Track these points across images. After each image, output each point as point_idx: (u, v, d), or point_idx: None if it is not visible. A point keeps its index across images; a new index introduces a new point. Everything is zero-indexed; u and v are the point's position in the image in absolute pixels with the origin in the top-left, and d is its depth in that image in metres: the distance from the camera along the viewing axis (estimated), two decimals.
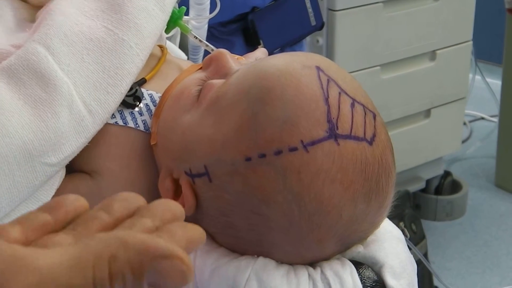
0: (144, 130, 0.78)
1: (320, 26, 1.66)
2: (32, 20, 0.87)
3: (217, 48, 0.81)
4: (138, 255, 0.42)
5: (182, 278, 0.42)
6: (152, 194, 0.75)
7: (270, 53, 0.83)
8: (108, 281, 0.41)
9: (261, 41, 1.48)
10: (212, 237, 0.70)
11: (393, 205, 0.71)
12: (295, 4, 1.58)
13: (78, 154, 0.75)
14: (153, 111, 0.78)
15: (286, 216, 0.64)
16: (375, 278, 0.69)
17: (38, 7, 0.87)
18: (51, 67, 0.73)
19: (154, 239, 0.42)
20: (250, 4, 1.47)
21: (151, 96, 0.79)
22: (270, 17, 1.52)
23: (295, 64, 0.67)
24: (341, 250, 0.69)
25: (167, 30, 0.87)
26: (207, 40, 0.95)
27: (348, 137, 0.64)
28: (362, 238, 0.70)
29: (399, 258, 0.71)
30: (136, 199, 0.48)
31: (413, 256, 0.75)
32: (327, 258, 0.69)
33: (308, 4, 1.61)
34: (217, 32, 1.46)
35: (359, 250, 0.70)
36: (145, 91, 0.79)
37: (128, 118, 0.78)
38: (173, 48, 0.98)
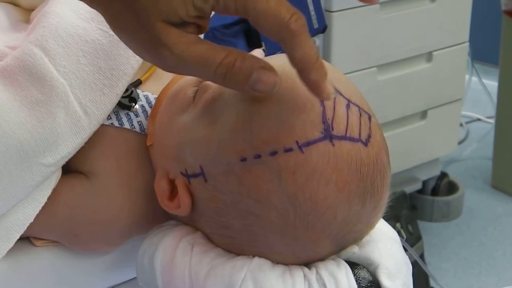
0: (140, 132, 0.78)
1: (322, 29, 1.66)
2: (26, 21, 0.88)
3: None
4: None
5: None
6: (148, 195, 0.75)
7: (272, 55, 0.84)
8: None
9: (262, 43, 1.48)
10: (208, 238, 0.71)
11: (389, 206, 0.72)
12: (297, 7, 1.58)
13: (74, 155, 0.76)
14: (148, 112, 0.79)
15: (281, 217, 0.64)
16: (370, 278, 0.69)
17: (30, 10, 0.87)
18: (47, 68, 0.74)
19: None
20: None
21: (146, 98, 0.80)
22: None
23: (290, 65, 0.67)
24: (336, 250, 0.70)
25: None
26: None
27: (343, 138, 0.65)
28: (357, 238, 0.70)
29: (394, 259, 0.71)
30: None
31: (409, 257, 0.75)
32: (323, 259, 0.69)
33: (311, 7, 1.61)
34: (220, 34, 1.46)
35: (354, 250, 0.70)
36: (140, 92, 0.80)
37: (124, 119, 0.78)
38: None
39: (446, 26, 1.99)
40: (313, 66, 0.59)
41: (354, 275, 0.68)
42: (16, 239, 0.74)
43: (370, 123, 0.67)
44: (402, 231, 1.84)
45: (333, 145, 0.64)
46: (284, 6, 0.57)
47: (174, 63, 0.59)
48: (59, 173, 0.77)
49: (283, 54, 0.69)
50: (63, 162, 0.75)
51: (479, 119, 2.88)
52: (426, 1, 1.93)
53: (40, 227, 0.77)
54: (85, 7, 0.79)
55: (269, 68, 0.60)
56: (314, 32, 1.65)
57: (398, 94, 1.96)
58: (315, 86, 0.60)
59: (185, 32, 0.58)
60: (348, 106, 0.66)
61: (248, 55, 0.59)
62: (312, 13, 1.64)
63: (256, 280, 0.66)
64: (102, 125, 0.77)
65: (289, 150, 0.63)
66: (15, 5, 0.93)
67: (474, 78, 2.60)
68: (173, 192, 0.71)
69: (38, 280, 0.78)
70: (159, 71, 0.82)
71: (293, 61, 0.59)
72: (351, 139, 0.65)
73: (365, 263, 0.70)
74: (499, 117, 2.41)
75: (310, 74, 0.59)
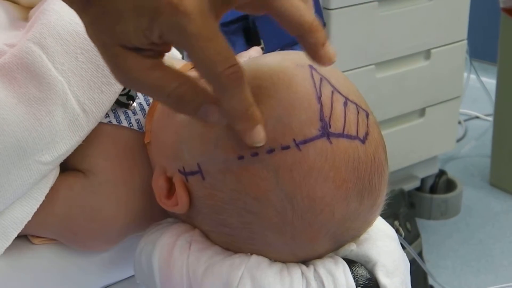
0: (138, 129, 0.78)
1: None
2: (25, 18, 0.88)
3: None
4: None
5: None
6: (146, 193, 0.75)
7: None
8: None
9: (261, 41, 1.48)
10: (205, 235, 0.70)
11: (387, 204, 0.72)
12: None
13: (72, 153, 0.76)
14: (146, 110, 0.79)
15: (279, 215, 0.64)
16: (368, 276, 0.69)
17: (29, 8, 0.87)
18: (45, 66, 0.74)
19: None
20: None
21: (144, 95, 0.80)
22: (271, 18, 1.52)
23: (288, 63, 0.67)
24: (334, 248, 0.70)
25: None
26: None
27: (341, 135, 0.65)
28: (355, 236, 0.70)
29: (392, 257, 0.71)
30: None
31: (408, 255, 0.75)
32: (320, 256, 0.69)
33: None
34: None
35: (352, 248, 0.70)
36: None
37: (122, 117, 0.78)
38: None
39: (444, 23, 1.99)
40: (241, 117, 0.60)
41: (352, 273, 0.68)
42: (14, 237, 0.74)
43: (367, 121, 0.67)
44: (401, 229, 1.84)
45: (331, 142, 0.64)
46: (220, 56, 0.57)
47: (128, 86, 0.61)
48: (57, 171, 0.77)
49: (281, 52, 0.69)
50: (61, 160, 0.75)
51: (477, 117, 2.88)
52: None
53: (38, 225, 0.77)
54: None
55: (216, 102, 0.60)
56: None
57: (396, 92, 1.96)
58: (242, 136, 0.62)
59: (143, 56, 0.59)
60: (345, 104, 0.66)
61: (200, 87, 0.60)
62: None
63: (254, 277, 0.66)
64: (100, 123, 0.77)
65: (286, 147, 0.63)
66: (14, 2, 0.93)
67: (473, 76, 2.60)
68: (171, 190, 0.71)
69: (36, 278, 0.78)
70: None
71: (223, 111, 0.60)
72: (349, 137, 0.65)
73: (363, 261, 0.70)
74: (497, 115, 2.41)
75: (236, 125, 0.61)
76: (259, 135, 0.62)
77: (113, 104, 0.77)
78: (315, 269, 0.68)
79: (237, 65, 0.57)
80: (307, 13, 0.60)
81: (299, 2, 0.60)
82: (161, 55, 0.61)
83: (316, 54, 0.61)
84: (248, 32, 1.49)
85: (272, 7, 0.59)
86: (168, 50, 0.61)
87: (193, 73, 0.75)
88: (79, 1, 0.58)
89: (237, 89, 0.58)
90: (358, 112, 0.67)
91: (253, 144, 0.62)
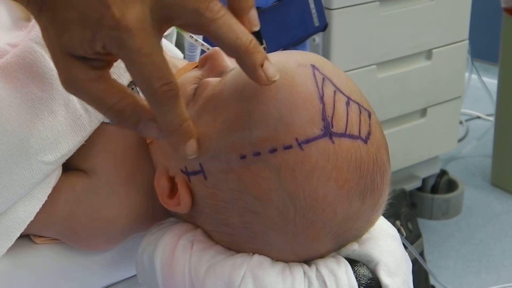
0: None
1: (323, 27, 1.66)
2: (28, 19, 0.88)
3: (213, 47, 0.81)
4: None
5: None
6: (148, 193, 0.75)
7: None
8: None
9: (263, 41, 1.48)
10: (208, 235, 0.71)
11: (389, 203, 0.72)
12: (298, 4, 1.58)
13: (74, 153, 0.76)
14: None
15: (281, 214, 0.65)
16: (370, 275, 0.69)
17: None
18: (48, 65, 0.74)
19: None
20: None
21: None
22: (273, 18, 1.52)
23: (290, 63, 0.67)
24: (336, 248, 0.70)
25: None
26: None
27: (343, 135, 0.65)
28: (357, 236, 0.70)
29: (394, 256, 0.71)
30: None
31: (409, 255, 0.75)
32: (322, 256, 0.69)
33: (312, 5, 1.62)
34: None
35: (354, 248, 0.70)
36: None
37: None
38: (169, 47, 0.98)
39: (446, 24, 1.99)
40: (174, 131, 0.63)
41: (354, 272, 0.68)
42: (16, 237, 0.74)
43: (370, 120, 0.67)
44: (402, 229, 1.84)
45: (333, 142, 0.64)
46: (158, 72, 0.59)
47: (72, 93, 0.62)
48: (59, 171, 0.77)
49: (283, 52, 0.69)
50: (63, 160, 0.75)
51: (478, 117, 2.88)
52: None
53: (41, 225, 0.77)
54: None
55: (155, 120, 0.62)
56: (315, 30, 1.65)
57: (397, 92, 1.96)
58: (175, 150, 0.66)
59: (89, 67, 0.60)
60: (348, 104, 0.66)
61: (140, 103, 0.62)
62: (313, 11, 1.64)
63: (256, 277, 0.66)
64: (103, 123, 0.77)
65: (288, 147, 0.63)
66: (17, 2, 0.93)
67: (474, 76, 2.60)
68: (173, 190, 0.71)
69: (39, 278, 0.78)
70: None
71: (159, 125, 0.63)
72: (351, 136, 0.65)
73: (365, 260, 0.70)
74: (499, 115, 2.41)
75: (170, 139, 0.64)
76: (191, 148, 0.64)
77: None
78: (317, 269, 0.68)
79: (172, 83, 0.59)
80: (243, 35, 0.61)
81: (235, 23, 0.60)
82: (109, 65, 0.62)
83: (254, 75, 0.62)
84: (250, 32, 1.49)
85: (208, 32, 0.60)
86: (116, 60, 0.63)
87: (195, 72, 0.75)
88: (33, 6, 0.60)
89: (171, 105, 0.60)
90: (360, 111, 0.67)
91: (186, 157, 0.65)
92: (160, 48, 0.59)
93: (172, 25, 0.61)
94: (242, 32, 0.60)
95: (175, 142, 0.64)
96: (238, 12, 0.61)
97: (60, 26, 0.58)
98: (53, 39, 0.59)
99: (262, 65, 0.61)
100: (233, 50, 0.61)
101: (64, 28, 0.58)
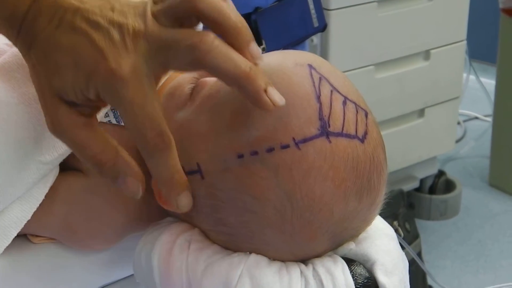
0: None
1: (322, 28, 1.66)
2: None
3: None
4: None
5: None
6: (146, 192, 0.75)
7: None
8: None
9: (263, 42, 1.48)
10: (205, 234, 0.71)
11: (387, 204, 0.72)
12: (298, 5, 1.58)
13: (72, 152, 0.75)
14: None
15: (278, 213, 0.65)
16: (367, 275, 0.69)
17: None
18: None
19: None
20: (253, 5, 1.47)
21: None
22: (273, 18, 1.52)
23: (287, 62, 0.67)
24: (333, 247, 0.70)
25: None
26: None
27: (340, 134, 0.65)
28: (353, 235, 0.71)
29: (391, 256, 0.71)
30: None
31: (407, 255, 0.75)
32: (319, 255, 0.69)
33: (311, 6, 1.62)
34: None
35: (351, 247, 0.70)
36: None
37: None
38: None
39: (444, 24, 1.99)
40: (165, 183, 0.63)
41: (350, 272, 0.68)
42: (13, 236, 0.74)
43: (366, 120, 0.67)
44: (400, 229, 1.84)
45: (330, 142, 0.64)
46: (151, 123, 0.59)
47: (54, 135, 0.62)
48: (56, 170, 0.77)
49: (280, 51, 0.69)
50: (60, 159, 0.75)
51: (476, 118, 2.89)
52: None
53: (38, 225, 0.77)
54: None
55: (135, 176, 0.63)
56: (314, 31, 1.65)
57: (395, 92, 1.96)
58: (167, 201, 0.65)
59: (76, 113, 0.61)
60: (344, 103, 0.66)
61: (121, 158, 0.62)
62: (313, 11, 1.64)
63: (253, 276, 0.66)
64: (100, 122, 0.77)
65: (285, 146, 0.63)
66: None
67: (472, 77, 2.60)
68: None
69: (36, 277, 0.78)
70: None
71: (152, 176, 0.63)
72: (348, 136, 0.65)
73: (362, 260, 0.70)
74: (497, 115, 2.41)
75: (162, 190, 0.64)
76: (183, 201, 0.65)
77: None
78: (314, 268, 0.68)
79: (165, 134, 0.60)
80: (242, 61, 0.60)
81: (231, 52, 0.60)
82: (97, 110, 0.63)
83: (259, 102, 0.61)
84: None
85: (205, 64, 0.60)
86: (105, 106, 0.64)
87: (191, 73, 0.75)
88: (22, 43, 0.60)
89: (163, 156, 0.61)
90: (357, 111, 0.67)
91: (176, 210, 0.65)
92: (154, 98, 0.59)
93: (169, 70, 0.63)
94: (239, 59, 0.60)
95: (167, 194, 0.64)
96: (238, 48, 0.61)
97: (51, 69, 0.59)
98: (43, 80, 0.60)
99: (265, 91, 0.61)
100: (233, 79, 0.60)
101: (55, 71, 0.59)
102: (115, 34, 0.59)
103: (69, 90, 0.59)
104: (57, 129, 0.61)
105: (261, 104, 0.61)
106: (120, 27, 0.59)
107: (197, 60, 0.60)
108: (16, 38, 0.61)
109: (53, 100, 0.60)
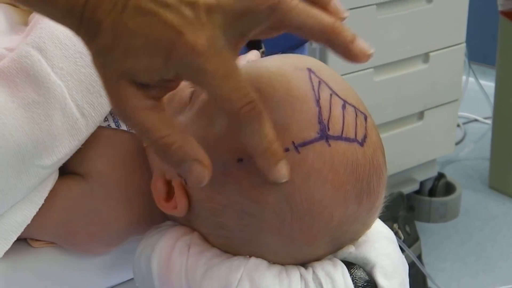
0: None
1: None
2: (25, 23, 0.88)
3: None
4: None
5: None
6: (145, 196, 0.75)
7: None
8: None
9: (262, 45, 1.48)
10: (204, 238, 0.71)
11: (386, 207, 0.72)
12: None
13: (71, 157, 0.76)
14: None
15: (278, 217, 0.65)
16: (367, 278, 0.69)
17: (29, 12, 0.87)
18: (44, 70, 0.74)
19: None
20: None
21: None
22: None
23: (286, 66, 0.67)
24: (332, 250, 0.70)
25: None
26: None
27: (339, 138, 0.65)
28: (353, 238, 0.71)
29: (391, 259, 0.71)
30: None
31: (407, 258, 0.75)
32: (319, 259, 0.69)
33: None
34: None
35: (350, 250, 0.70)
36: None
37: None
38: None
39: (443, 27, 1.99)
40: (262, 154, 0.60)
41: (350, 275, 0.68)
42: (13, 241, 0.75)
43: (366, 123, 0.67)
44: (400, 232, 1.84)
45: (329, 145, 0.64)
46: (238, 93, 0.58)
47: (121, 119, 0.61)
48: (56, 174, 0.77)
49: (280, 55, 0.70)
50: (60, 164, 0.75)
51: (476, 120, 2.89)
52: (423, 1, 1.93)
53: (38, 229, 0.77)
54: None
55: (202, 162, 0.60)
56: None
57: (394, 95, 1.96)
58: (265, 173, 0.62)
59: (145, 95, 0.59)
60: (344, 107, 0.66)
61: (189, 143, 0.60)
62: None
63: (253, 280, 0.66)
64: (99, 127, 0.77)
65: (285, 150, 0.63)
66: (15, 6, 0.93)
67: (471, 79, 2.60)
68: (169, 193, 0.71)
69: (36, 281, 0.79)
70: None
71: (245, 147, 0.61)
72: (347, 139, 0.65)
73: (362, 263, 0.70)
74: (496, 117, 2.41)
75: (258, 161, 0.61)
76: (283, 169, 0.62)
77: None
78: (313, 272, 0.68)
79: (254, 101, 0.58)
80: (324, 17, 0.60)
81: (311, 8, 0.60)
82: (168, 91, 0.62)
83: (349, 53, 0.61)
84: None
85: (290, 25, 0.60)
86: (175, 88, 0.62)
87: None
88: (86, 31, 0.59)
89: (257, 126, 0.59)
90: (356, 114, 0.67)
91: (277, 181, 0.62)
92: (236, 68, 0.58)
93: (247, 39, 0.61)
94: (321, 15, 0.60)
95: (265, 166, 0.61)
96: (319, 5, 0.61)
97: (122, 52, 0.57)
98: (109, 64, 0.58)
99: (352, 42, 0.61)
100: (320, 34, 0.60)
101: (126, 54, 0.57)
102: (187, 11, 0.57)
103: (143, 72, 0.58)
104: (124, 112, 0.59)
105: (351, 55, 0.61)
106: (190, 3, 0.58)
107: (279, 21, 0.59)
108: (78, 27, 0.59)
109: (120, 83, 0.58)
